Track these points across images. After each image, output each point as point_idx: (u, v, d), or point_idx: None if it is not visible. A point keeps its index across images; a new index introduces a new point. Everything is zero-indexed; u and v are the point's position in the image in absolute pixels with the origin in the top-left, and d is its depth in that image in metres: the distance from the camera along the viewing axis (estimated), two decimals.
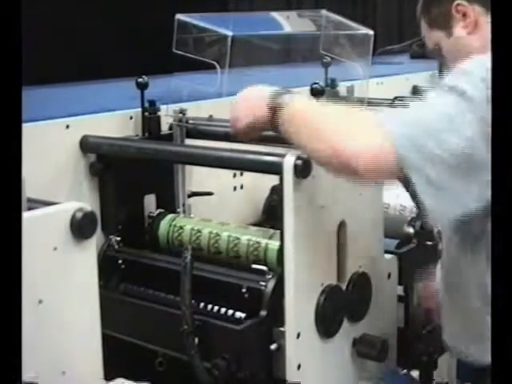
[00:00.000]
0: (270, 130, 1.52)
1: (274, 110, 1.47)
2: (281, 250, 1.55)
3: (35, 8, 3.34)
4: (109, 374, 1.24)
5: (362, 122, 1.34)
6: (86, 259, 1.16)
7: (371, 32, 2.04)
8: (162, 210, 1.94)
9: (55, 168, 1.85)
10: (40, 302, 1.10)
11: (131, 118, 2.02)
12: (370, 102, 2.11)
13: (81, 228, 1.13)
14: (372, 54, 2.00)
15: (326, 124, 1.37)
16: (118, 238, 1.88)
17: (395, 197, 2.41)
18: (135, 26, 4.91)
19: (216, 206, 2.19)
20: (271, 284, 1.59)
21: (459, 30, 1.62)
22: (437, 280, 1.70)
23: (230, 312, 1.66)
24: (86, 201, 1.80)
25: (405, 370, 1.76)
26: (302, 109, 1.45)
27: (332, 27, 2.26)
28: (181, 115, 2.05)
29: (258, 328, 1.56)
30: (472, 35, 1.60)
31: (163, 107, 2.04)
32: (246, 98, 1.57)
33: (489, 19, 1.56)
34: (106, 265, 1.83)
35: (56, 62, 4.45)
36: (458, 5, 1.59)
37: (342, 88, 2.71)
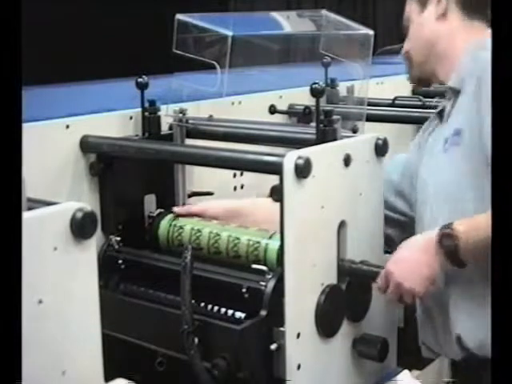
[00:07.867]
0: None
1: (451, 254, 1.46)
2: (281, 250, 1.55)
3: (35, 8, 3.35)
4: (109, 374, 1.24)
5: None
6: (86, 259, 1.16)
7: (371, 32, 2.03)
8: (162, 210, 1.94)
9: (55, 168, 1.84)
10: (40, 301, 1.10)
11: (131, 117, 2.01)
12: (370, 102, 2.11)
13: (81, 228, 1.13)
14: (372, 54, 2.00)
15: None
16: (118, 238, 1.87)
17: None
18: (135, 26, 4.92)
19: None
20: (271, 284, 1.59)
21: (430, 11, 1.72)
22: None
23: (230, 312, 1.66)
24: (86, 201, 1.81)
25: (405, 370, 1.76)
26: (477, 236, 1.42)
27: (332, 27, 2.25)
28: (181, 115, 2.05)
29: (257, 328, 1.56)
30: (440, 23, 1.70)
31: (163, 107, 2.04)
32: (407, 259, 1.54)
33: (459, 16, 1.70)
34: (106, 265, 1.83)
35: (56, 62, 4.46)
36: None
37: (342, 88, 2.72)
